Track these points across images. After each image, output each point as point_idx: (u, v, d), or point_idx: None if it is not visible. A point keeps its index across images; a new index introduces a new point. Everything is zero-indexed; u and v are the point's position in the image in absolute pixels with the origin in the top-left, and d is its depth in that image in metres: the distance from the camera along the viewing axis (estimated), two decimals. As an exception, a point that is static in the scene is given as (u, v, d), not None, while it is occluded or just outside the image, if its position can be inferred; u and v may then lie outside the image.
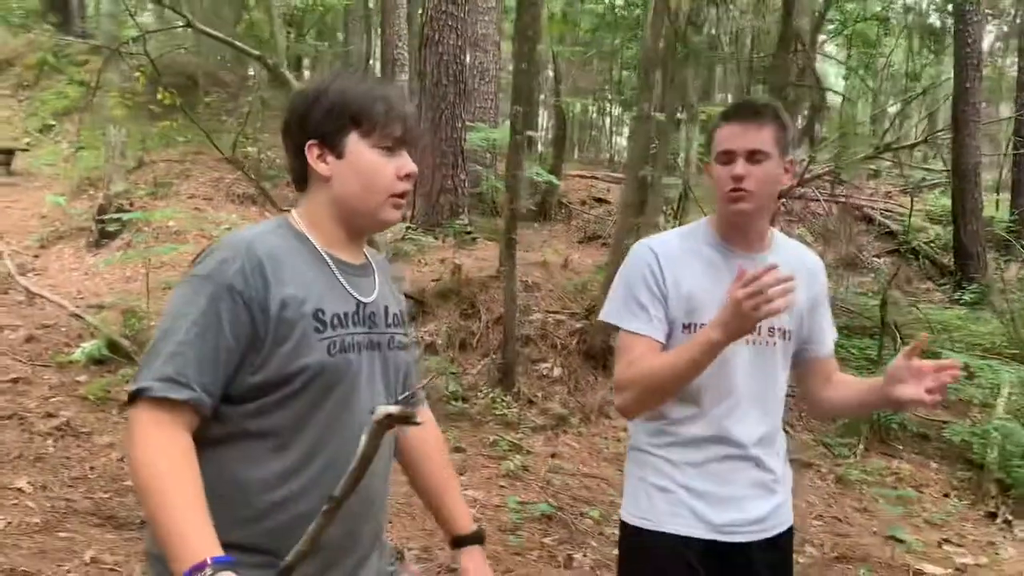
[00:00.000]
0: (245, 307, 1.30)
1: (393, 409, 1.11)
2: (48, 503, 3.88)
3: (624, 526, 1.94)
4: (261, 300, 1.30)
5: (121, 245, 9.56)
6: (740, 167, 1.78)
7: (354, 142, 1.38)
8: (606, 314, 1.95)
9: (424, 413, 1.64)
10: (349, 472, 1.16)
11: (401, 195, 1.42)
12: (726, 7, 12.49)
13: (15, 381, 5.77)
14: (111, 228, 9.73)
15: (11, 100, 15.24)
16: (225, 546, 1.25)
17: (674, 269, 1.87)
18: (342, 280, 1.41)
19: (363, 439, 1.13)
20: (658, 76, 7.04)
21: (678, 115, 7.41)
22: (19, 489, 3.99)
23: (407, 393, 1.42)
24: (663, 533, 1.85)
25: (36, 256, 9.99)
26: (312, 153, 1.38)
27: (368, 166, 1.38)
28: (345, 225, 1.43)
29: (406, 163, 1.41)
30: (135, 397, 1.29)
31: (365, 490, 1.31)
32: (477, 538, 1.69)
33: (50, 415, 5.14)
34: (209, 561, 1.20)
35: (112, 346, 6.42)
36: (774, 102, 1.98)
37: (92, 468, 4.40)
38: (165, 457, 1.26)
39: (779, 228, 2.01)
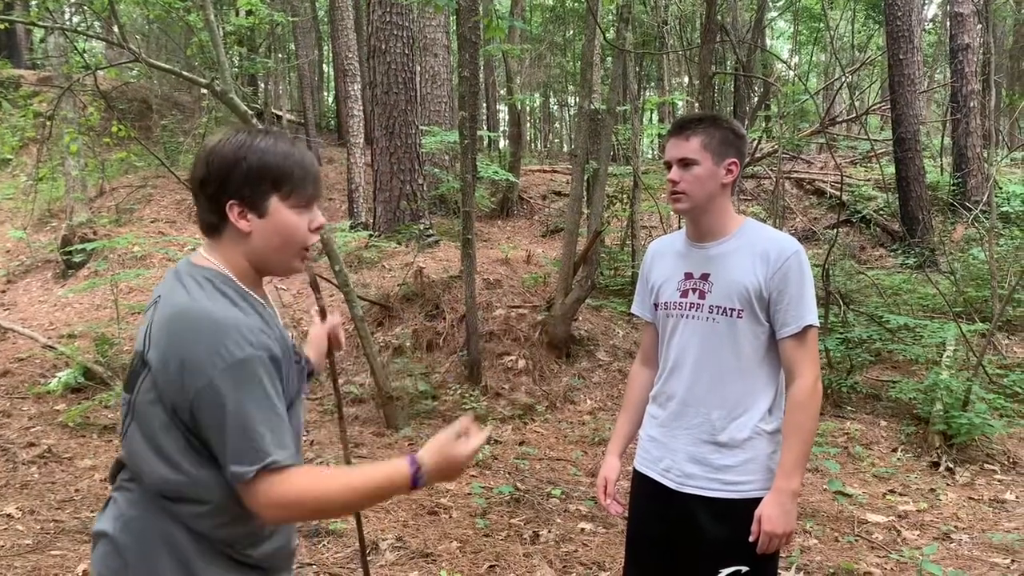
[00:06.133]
0: (276, 368, 1.48)
1: None
2: (38, 525, 4.06)
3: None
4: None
5: (88, 274, 9.64)
6: (673, 173, 2.15)
7: (275, 204, 1.51)
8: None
9: None
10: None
11: (308, 248, 1.61)
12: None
13: (-6, 415, 5.93)
14: (77, 258, 9.81)
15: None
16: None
17: (654, 262, 2.35)
18: (275, 314, 1.65)
19: None
20: (602, 72, 7.33)
21: (620, 107, 7.66)
22: (8, 515, 4.18)
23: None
24: (635, 470, 2.34)
25: (3, 291, 10.07)
26: (233, 212, 1.49)
27: (288, 225, 1.53)
28: (258, 270, 1.60)
29: (316, 216, 1.58)
30: (263, 471, 1.39)
31: None
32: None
33: (32, 444, 5.31)
34: (413, 463, 1.48)
35: (87, 373, 6.58)
36: (712, 113, 2.34)
37: (77, 490, 4.59)
38: (307, 477, 1.45)
39: (735, 207, 2.25)
